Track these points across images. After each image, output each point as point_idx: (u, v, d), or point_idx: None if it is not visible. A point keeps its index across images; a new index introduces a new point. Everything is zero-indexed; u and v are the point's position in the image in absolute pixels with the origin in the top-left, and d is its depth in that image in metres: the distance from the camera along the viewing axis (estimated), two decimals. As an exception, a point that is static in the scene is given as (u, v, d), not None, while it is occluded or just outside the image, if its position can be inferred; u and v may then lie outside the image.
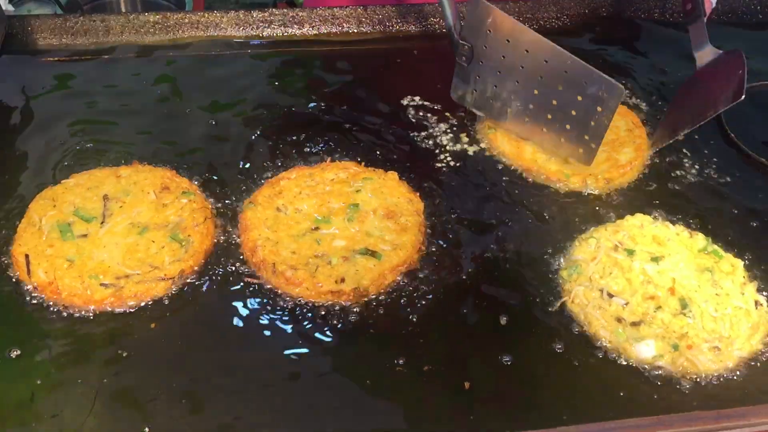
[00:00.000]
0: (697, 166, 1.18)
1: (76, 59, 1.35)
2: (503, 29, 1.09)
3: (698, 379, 0.86)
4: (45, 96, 1.27)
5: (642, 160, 1.18)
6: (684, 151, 1.21)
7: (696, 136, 1.22)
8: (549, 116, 1.11)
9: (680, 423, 0.69)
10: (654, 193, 1.14)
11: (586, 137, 1.08)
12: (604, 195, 1.13)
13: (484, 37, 1.11)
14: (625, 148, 1.18)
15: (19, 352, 0.89)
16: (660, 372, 0.88)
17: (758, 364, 0.89)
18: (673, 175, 1.17)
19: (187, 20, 1.41)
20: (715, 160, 1.20)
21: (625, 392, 0.86)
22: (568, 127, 1.10)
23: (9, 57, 1.33)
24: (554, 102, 1.09)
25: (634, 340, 0.89)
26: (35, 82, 1.29)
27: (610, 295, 0.95)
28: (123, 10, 2.21)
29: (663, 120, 1.24)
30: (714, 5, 1.25)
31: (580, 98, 1.06)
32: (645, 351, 0.87)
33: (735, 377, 0.86)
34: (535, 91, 1.10)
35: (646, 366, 0.88)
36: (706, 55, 1.26)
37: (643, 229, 1.04)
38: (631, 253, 0.99)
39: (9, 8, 1.48)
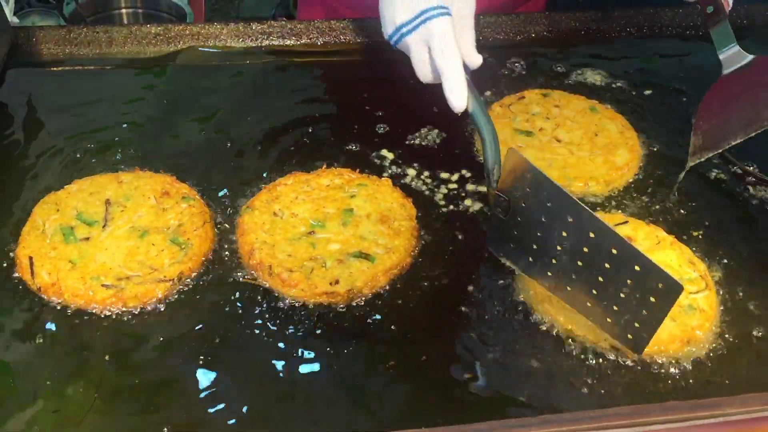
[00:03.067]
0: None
1: (80, 69, 1.38)
2: (544, 191, 0.92)
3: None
4: (49, 105, 1.30)
5: (636, 162, 1.22)
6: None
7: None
8: (594, 291, 0.92)
9: (657, 413, 0.72)
10: (653, 194, 1.17)
11: (637, 325, 0.90)
12: (605, 197, 1.16)
13: (524, 195, 0.94)
14: (620, 150, 1.22)
15: (21, 351, 0.92)
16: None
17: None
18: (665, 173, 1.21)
19: (188, 32, 1.45)
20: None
21: (611, 384, 0.90)
22: (615, 308, 0.91)
23: (15, 67, 1.37)
24: (600, 279, 0.91)
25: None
26: (40, 91, 1.32)
27: None
28: (125, 22, 2.25)
29: (695, 130, 1.18)
30: (731, 5, 1.20)
31: (630, 282, 0.88)
32: None
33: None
34: (579, 263, 0.92)
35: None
36: (735, 57, 1.20)
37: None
38: None
39: (14, 20, 1.52)
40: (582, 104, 1.31)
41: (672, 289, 0.84)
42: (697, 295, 0.99)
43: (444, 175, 1.18)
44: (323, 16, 1.54)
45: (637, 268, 0.86)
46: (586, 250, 0.91)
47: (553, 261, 0.95)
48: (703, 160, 1.14)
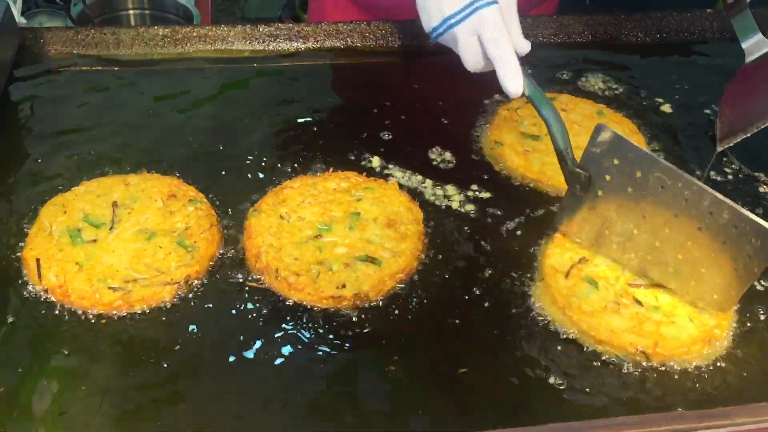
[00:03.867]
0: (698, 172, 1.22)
1: (87, 70, 1.39)
2: (635, 161, 0.95)
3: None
4: (57, 105, 1.30)
5: None
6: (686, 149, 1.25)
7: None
8: (680, 256, 0.96)
9: (664, 422, 0.72)
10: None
11: (724, 284, 0.95)
12: None
13: (609, 168, 0.97)
14: None
15: (28, 353, 0.92)
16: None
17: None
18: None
19: (195, 34, 1.45)
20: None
21: (614, 390, 0.90)
22: (703, 270, 0.95)
23: (22, 67, 1.37)
24: (689, 243, 0.95)
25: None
26: (47, 92, 1.33)
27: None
28: (132, 23, 2.26)
29: (721, 117, 1.19)
30: None
31: (724, 242, 0.92)
32: None
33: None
34: (667, 230, 0.96)
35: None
36: (757, 45, 1.19)
37: None
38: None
39: (22, 20, 1.52)
40: (589, 108, 1.31)
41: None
42: None
43: (449, 185, 1.18)
44: (333, 17, 1.54)
45: (735, 227, 0.89)
46: (676, 215, 0.93)
47: (635, 231, 0.98)
48: (731, 144, 1.15)
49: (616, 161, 0.96)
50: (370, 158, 1.21)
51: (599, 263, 1.03)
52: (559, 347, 0.95)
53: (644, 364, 0.93)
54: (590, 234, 1.04)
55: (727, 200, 0.90)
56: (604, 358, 0.94)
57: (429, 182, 1.18)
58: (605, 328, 0.95)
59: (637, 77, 1.42)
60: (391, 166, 1.20)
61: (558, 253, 1.04)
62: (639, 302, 0.98)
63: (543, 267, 1.03)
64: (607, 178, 0.98)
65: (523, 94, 1.02)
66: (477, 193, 1.17)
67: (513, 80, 1.01)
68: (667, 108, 1.35)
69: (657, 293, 0.99)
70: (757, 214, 0.89)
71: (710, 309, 0.97)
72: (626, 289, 1.00)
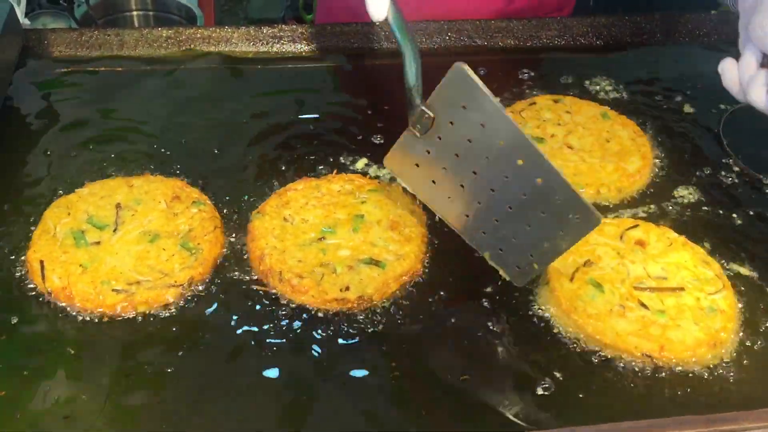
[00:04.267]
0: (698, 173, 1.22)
1: (91, 71, 1.39)
2: (483, 111, 0.89)
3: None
4: (60, 107, 1.30)
5: (648, 169, 1.21)
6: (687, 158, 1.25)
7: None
8: (496, 220, 0.95)
9: (672, 426, 0.71)
10: (665, 200, 1.17)
11: (532, 256, 0.95)
12: (617, 204, 1.16)
13: (455, 113, 0.91)
14: (632, 157, 1.21)
15: (32, 355, 0.92)
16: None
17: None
18: (680, 179, 1.21)
19: (198, 35, 1.45)
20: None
21: (620, 394, 0.90)
22: (514, 240, 0.95)
23: (25, 68, 1.37)
24: (509, 208, 0.93)
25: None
26: (50, 93, 1.33)
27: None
28: (136, 24, 2.26)
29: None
30: None
31: (543, 214, 0.91)
32: None
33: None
34: (492, 190, 0.93)
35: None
36: None
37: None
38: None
39: (25, 22, 1.52)
40: (594, 110, 1.31)
41: (589, 222, 0.89)
42: (716, 295, 0.99)
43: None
44: (342, 19, 1.53)
45: (558, 200, 0.89)
46: (507, 177, 0.91)
47: (462, 186, 0.95)
48: None
49: (463, 106, 0.89)
50: (374, 161, 1.21)
51: (604, 266, 1.03)
52: (563, 351, 0.95)
53: (650, 368, 0.93)
54: (417, 179, 0.98)
55: (560, 173, 0.88)
56: (609, 361, 0.94)
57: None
58: (611, 331, 0.95)
59: (642, 79, 1.42)
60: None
61: (562, 257, 1.04)
62: (644, 305, 0.98)
63: (547, 270, 1.02)
64: (450, 124, 0.91)
65: (386, 20, 0.92)
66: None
67: (376, 3, 0.90)
68: (671, 108, 1.35)
69: (663, 296, 0.99)
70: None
71: (506, 278, 0.98)
72: (631, 293, 0.99)
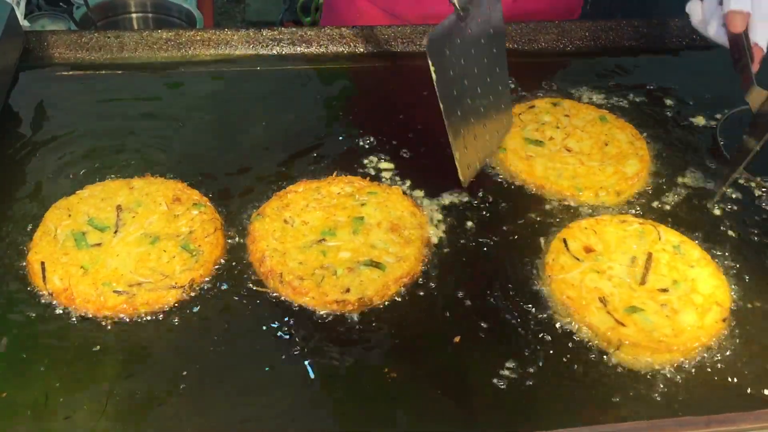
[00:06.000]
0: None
1: (91, 73, 1.39)
2: (492, 21, 1.11)
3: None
4: (60, 109, 1.30)
5: (646, 172, 1.22)
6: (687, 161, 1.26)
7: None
8: (471, 119, 1.11)
9: (672, 427, 0.72)
10: (664, 202, 1.18)
11: (479, 154, 1.13)
12: (617, 207, 1.17)
13: (481, 14, 1.10)
14: (630, 160, 1.22)
15: (33, 356, 0.92)
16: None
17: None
18: (678, 182, 1.22)
19: (198, 38, 1.45)
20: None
21: (619, 394, 0.90)
22: (474, 140, 1.12)
23: (26, 71, 1.37)
24: (481, 108, 1.12)
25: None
26: (51, 95, 1.33)
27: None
28: (135, 26, 2.26)
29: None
30: (765, 51, 1.17)
31: (494, 116, 1.12)
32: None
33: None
34: (478, 90, 1.11)
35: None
36: (757, 96, 1.15)
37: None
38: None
39: (25, 23, 1.52)
40: (592, 114, 1.31)
41: (509, 124, 1.14)
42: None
43: (452, 189, 1.18)
44: (349, 21, 1.54)
45: (503, 107, 1.13)
46: (489, 79, 1.12)
47: (465, 82, 1.08)
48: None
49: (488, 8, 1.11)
50: (374, 163, 1.22)
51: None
52: (566, 350, 0.96)
53: (653, 368, 0.94)
54: (443, 66, 1.04)
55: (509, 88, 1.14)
56: (611, 361, 0.95)
57: (432, 186, 1.18)
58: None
59: (641, 83, 1.42)
60: (393, 170, 1.21)
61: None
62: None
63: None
64: (478, 21, 1.09)
65: None
66: (480, 197, 1.17)
67: None
68: (669, 112, 1.36)
69: (659, 296, 1.00)
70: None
71: (462, 178, 1.10)
72: (632, 294, 1.00)
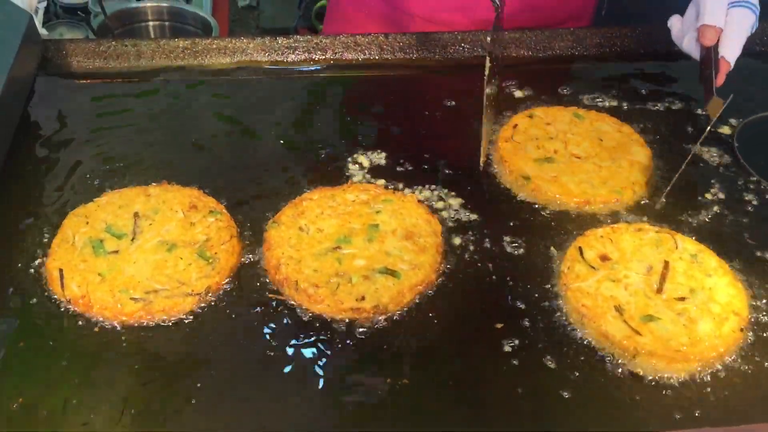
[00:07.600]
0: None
1: (109, 82, 1.40)
2: None
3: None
4: (78, 117, 1.31)
5: (651, 152, 1.24)
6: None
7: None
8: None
9: (688, 439, 0.71)
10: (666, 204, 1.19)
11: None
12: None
13: None
14: (633, 148, 1.24)
15: (51, 363, 0.93)
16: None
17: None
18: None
19: (215, 46, 1.46)
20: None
21: (635, 404, 0.90)
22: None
23: (45, 78, 1.39)
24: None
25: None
26: (69, 103, 1.34)
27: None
28: (152, 34, 2.28)
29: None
30: (732, 66, 1.21)
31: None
32: None
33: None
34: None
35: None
36: (715, 105, 1.16)
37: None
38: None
39: (43, 32, 1.54)
40: (566, 115, 1.31)
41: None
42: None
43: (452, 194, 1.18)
44: (349, 29, 1.55)
45: None
46: None
47: None
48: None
49: None
50: (388, 171, 1.22)
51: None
52: (582, 358, 0.95)
53: (669, 378, 0.93)
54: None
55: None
56: (627, 370, 0.94)
57: (444, 195, 1.18)
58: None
59: (656, 89, 1.42)
60: (408, 178, 1.21)
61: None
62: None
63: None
64: None
65: None
66: (495, 206, 1.17)
67: None
68: (685, 116, 1.35)
69: (675, 305, 0.99)
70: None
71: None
72: (648, 303, 1.00)
